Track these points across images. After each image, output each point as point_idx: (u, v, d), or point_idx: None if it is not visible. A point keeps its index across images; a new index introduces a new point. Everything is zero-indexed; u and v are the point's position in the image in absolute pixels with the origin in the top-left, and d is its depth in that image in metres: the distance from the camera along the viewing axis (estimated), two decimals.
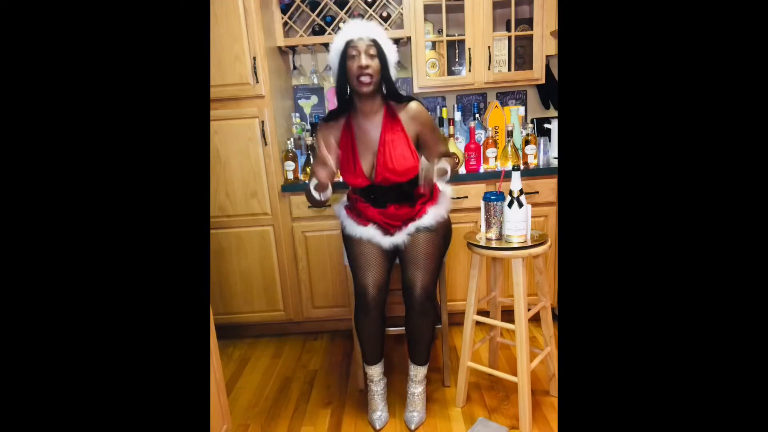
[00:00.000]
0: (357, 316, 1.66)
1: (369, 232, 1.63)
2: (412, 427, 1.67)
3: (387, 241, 1.63)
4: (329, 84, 2.66)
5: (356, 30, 1.54)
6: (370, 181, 1.63)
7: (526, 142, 2.30)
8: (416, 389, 1.73)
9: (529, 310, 1.63)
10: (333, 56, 1.59)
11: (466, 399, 1.82)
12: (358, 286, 1.62)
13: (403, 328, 1.74)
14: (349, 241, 1.67)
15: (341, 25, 2.33)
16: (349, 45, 1.53)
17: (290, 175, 2.30)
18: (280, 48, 2.40)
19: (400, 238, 1.62)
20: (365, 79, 1.52)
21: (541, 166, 2.30)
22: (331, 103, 2.66)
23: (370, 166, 1.63)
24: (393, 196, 1.64)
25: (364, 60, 1.50)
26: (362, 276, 1.61)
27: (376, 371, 1.74)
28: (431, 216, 1.63)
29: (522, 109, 2.48)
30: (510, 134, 2.28)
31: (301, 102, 2.65)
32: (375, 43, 1.53)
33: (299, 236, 2.31)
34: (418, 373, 1.72)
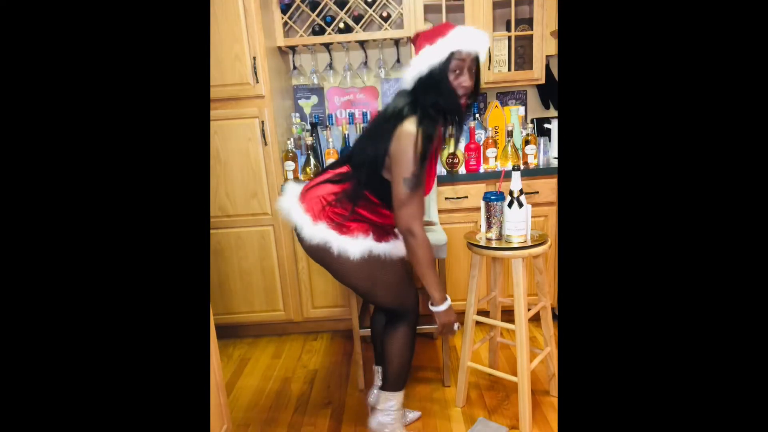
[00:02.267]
0: (413, 338, 1.54)
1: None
2: None
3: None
4: (329, 84, 2.66)
5: (467, 41, 1.29)
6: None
7: (526, 142, 2.30)
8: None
9: (529, 310, 1.63)
10: (426, 63, 1.31)
11: (466, 399, 1.82)
12: (412, 304, 1.51)
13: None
14: (381, 264, 1.43)
15: (341, 25, 2.36)
16: (453, 56, 1.29)
17: (290, 175, 2.30)
18: (280, 48, 2.40)
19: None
20: (464, 99, 1.34)
21: (541, 166, 2.30)
22: (331, 102, 2.66)
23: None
24: None
25: (468, 80, 1.31)
26: (413, 292, 1.52)
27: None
28: None
29: (522, 109, 2.48)
30: (510, 134, 2.28)
31: (301, 102, 2.65)
32: (477, 60, 1.33)
33: None
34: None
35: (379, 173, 1.38)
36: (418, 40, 1.35)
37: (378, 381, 1.73)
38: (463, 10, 2.33)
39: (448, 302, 1.44)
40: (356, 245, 1.38)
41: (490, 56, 2.37)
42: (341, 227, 1.40)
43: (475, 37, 1.30)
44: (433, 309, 1.43)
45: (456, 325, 1.47)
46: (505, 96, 2.69)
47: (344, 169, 1.45)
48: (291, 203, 1.47)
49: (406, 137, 1.29)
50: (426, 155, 1.30)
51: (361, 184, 1.39)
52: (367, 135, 1.43)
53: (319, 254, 1.42)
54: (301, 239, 1.45)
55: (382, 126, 1.36)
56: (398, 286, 1.47)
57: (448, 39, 1.28)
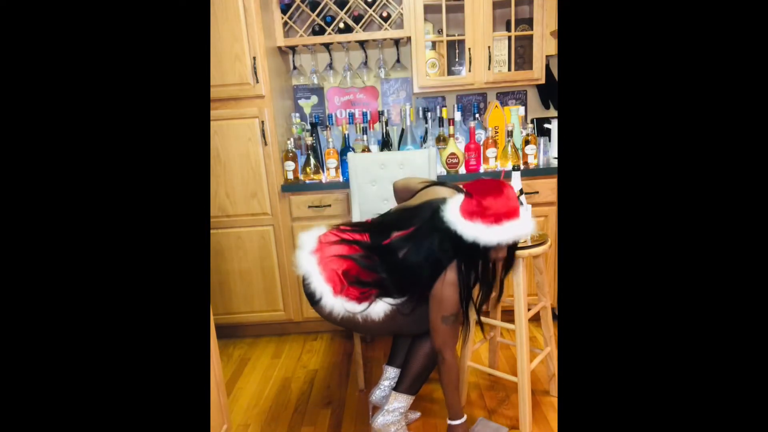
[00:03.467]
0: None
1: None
2: None
3: None
4: (329, 84, 2.66)
5: (518, 237, 1.42)
6: None
7: (526, 142, 2.30)
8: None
9: (529, 310, 1.63)
10: (472, 235, 1.39)
11: (466, 399, 1.82)
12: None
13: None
14: (402, 310, 1.50)
15: (341, 25, 2.36)
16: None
17: (290, 175, 2.30)
18: (280, 48, 2.40)
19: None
20: (499, 266, 1.49)
21: (541, 166, 2.30)
22: (331, 102, 2.67)
23: None
24: None
25: (504, 251, 1.43)
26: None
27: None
28: None
29: (522, 109, 2.48)
30: (510, 134, 2.28)
31: (301, 102, 2.65)
32: None
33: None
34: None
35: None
36: (471, 206, 1.36)
37: (384, 380, 1.73)
38: (463, 10, 2.33)
39: (464, 418, 1.54)
40: (377, 308, 1.44)
41: (490, 56, 2.37)
42: (359, 299, 1.44)
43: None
44: (450, 422, 1.53)
45: None
46: (505, 96, 2.69)
47: (365, 238, 1.48)
48: (310, 265, 1.46)
49: (451, 285, 1.41)
50: (468, 300, 1.44)
51: (392, 290, 1.43)
52: (408, 239, 1.44)
53: (342, 322, 1.47)
54: (318, 305, 1.46)
55: (424, 247, 1.41)
56: (424, 316, 1.49)
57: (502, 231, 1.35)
